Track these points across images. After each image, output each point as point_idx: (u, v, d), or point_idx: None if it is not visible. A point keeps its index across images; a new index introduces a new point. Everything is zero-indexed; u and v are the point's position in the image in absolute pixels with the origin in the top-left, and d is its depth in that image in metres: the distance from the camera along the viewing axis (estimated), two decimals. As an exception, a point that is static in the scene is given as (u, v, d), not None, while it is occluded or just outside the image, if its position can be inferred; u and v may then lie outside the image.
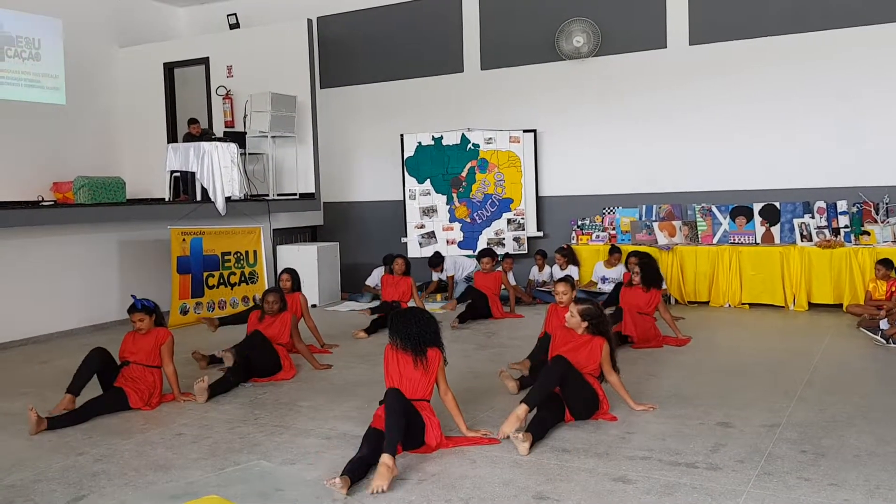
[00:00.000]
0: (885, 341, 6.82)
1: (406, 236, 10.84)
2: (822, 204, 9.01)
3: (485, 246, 10.18)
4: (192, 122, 10.70)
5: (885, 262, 7.99)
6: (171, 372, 5.60)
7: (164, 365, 5.58)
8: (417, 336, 4.40)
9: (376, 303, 9.50)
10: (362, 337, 7.92)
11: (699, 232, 9.58)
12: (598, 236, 10.05)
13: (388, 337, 4.52)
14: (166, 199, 10.23)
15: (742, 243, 9.26)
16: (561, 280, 6.27)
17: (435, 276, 10.42)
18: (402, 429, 4.09)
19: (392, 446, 4.00)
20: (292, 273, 7.60)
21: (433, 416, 4.40)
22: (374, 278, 10.31)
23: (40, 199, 10.10)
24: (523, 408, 4.49)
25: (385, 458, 3.92)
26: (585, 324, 4.94)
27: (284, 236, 11.18)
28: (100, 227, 8.96)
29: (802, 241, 8.95)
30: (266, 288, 8.11)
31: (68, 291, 8.65)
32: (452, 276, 10.29)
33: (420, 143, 10.79)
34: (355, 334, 7.99)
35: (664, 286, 9.04)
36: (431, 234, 10.75)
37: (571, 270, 9.70)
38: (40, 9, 10.68)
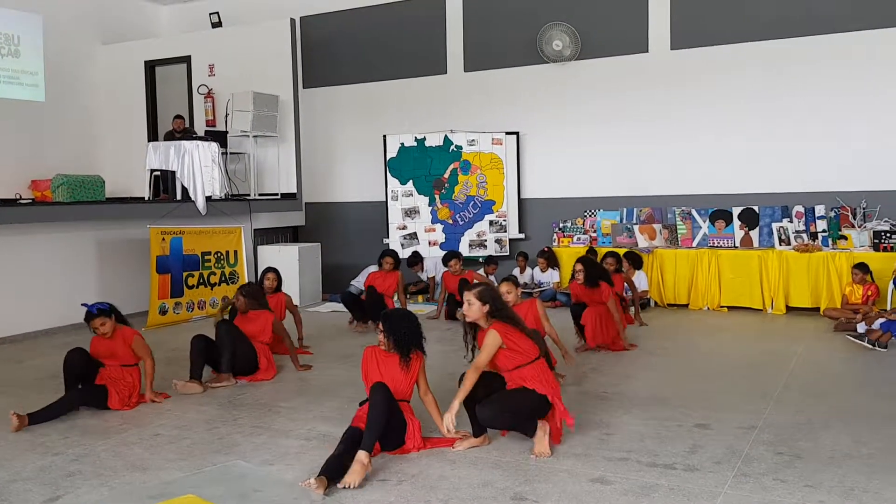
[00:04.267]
0: (872, 345, 6.85)
1: (388, 237, 10.83)
2: (800, 208, 9.10)
3: (456, 249, 10.13)
4: (177, 117, 10.65)
5: (861, 266, 8.08)
6: (150, 366, 5.54)
7: (143, 360, 5.53)
8: (407, 338, 4.41)
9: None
10: (361, 329, 8.31)
11: (679, 235, 9.64)
12: (579, 239, 10.09)
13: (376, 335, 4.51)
14: (146, 198, 10.16)
15: (721, 247, 9.33)
16: (505, 280, 6.16)
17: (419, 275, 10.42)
18: (382, 427, 4.09)
19: (370, 444, 4.00)
20: (277, 273, 7.53)
21: (414, 418, 4.41)
22: (360, 278, 10.18)
23: (18, 196, 10.00)
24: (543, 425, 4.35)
25: (361, 455, 3.94)
26: (486, 307, 4.40)
27: (265, 236, 11.14)
28: (78, 226, 8.88)
29: (781, 244, 9.03)
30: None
31: (46, 290, 8.56)
32: (433, 277, 10.29)
33: (403, 144, 10.78)
34: (357, 328, 8.41)
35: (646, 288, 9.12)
36: (413, 236, 10.75)
37: (552, 273, 9.74)
38: (20, 4, 10.56)
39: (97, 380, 5.41)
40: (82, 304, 5.53)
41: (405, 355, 4.40)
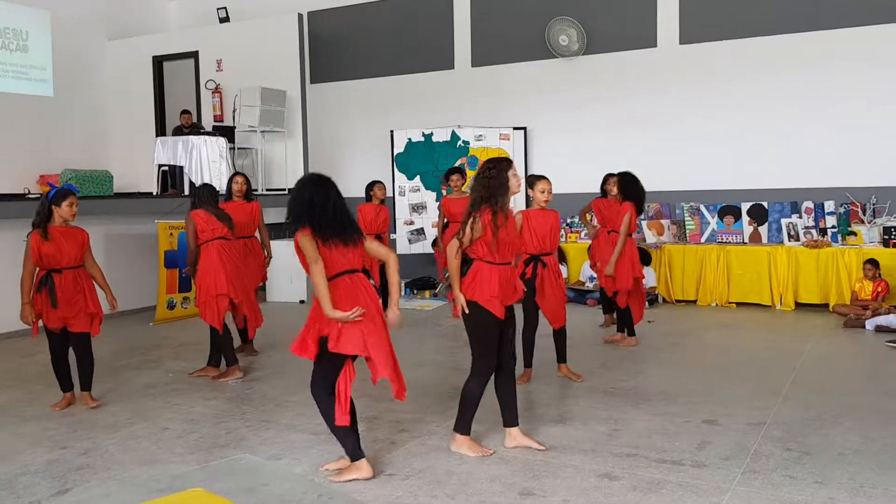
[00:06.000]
0: None
1: (395, 232, 10.82)
2: (809, 204, 9.05)
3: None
4: (185, 112, 10.68)
5: (873, 262, 8.04)
6: (99, 273, 5.45)
7: (88, 266, 5.39)
8: (293, 207, 4.02)
9: None
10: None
11: (687, 231, 9.61)
12: (587, 234, 10.04)
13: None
14: (154, 193, 10.18)
15: (730, 242, 9.30)
16: (545, 178, 5.93)
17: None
18: (343, 429, 3.93)
19: (353, 452, 3.95)
20: (247, 178, 7.07)
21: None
22: None
23: (27, 191, 10.04)
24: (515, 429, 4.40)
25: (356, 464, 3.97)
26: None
27: (273, 231, 11.03)
28: (86, 221, 8.73)
29: (790, 240, 8.99)
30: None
31: (54, 285, 8.57)
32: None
33: (410, 139, 10.77)
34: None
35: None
36: (421, 231, 10.74)
37: (560, 269, 9.70)
38: (29, 0, 10.59)
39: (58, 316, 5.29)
40: (48, 183, 5.34)
41: (292, 225, 3.94)
